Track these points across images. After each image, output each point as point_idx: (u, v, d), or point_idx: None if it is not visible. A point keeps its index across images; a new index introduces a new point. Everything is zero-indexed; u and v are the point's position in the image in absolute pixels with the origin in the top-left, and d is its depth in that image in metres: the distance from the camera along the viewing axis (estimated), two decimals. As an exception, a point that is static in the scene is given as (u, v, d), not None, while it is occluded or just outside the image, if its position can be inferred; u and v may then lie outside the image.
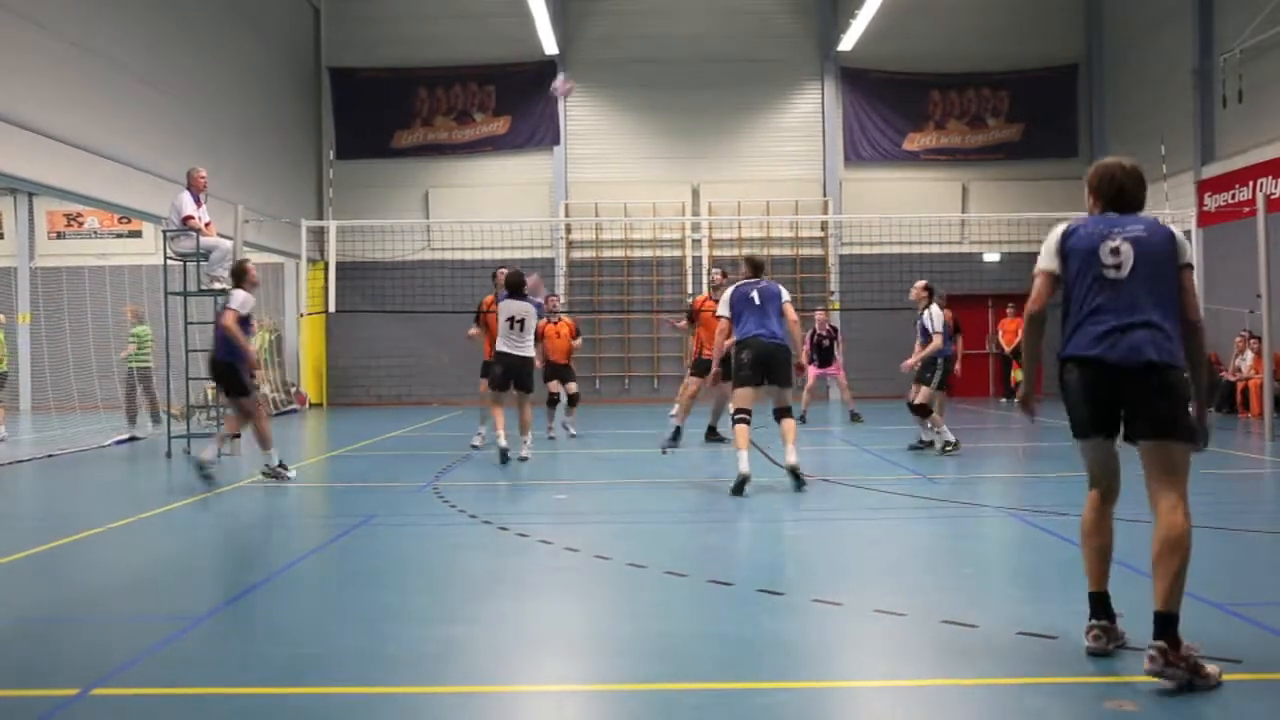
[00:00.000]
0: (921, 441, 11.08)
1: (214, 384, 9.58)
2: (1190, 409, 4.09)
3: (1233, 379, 15.82)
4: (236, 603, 4.96)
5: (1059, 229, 4.14)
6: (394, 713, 3.56)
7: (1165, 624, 3.66)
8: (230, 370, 9.27)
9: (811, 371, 15.72)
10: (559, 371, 13.39)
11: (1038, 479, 9.20)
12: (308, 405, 20.96)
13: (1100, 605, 4.07)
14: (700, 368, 11.43)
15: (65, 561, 6.12)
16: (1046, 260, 4.15)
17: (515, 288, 10.55)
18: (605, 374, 21.90)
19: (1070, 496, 7.97)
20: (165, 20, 15.44)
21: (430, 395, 21.96)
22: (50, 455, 11.72)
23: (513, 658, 4.17)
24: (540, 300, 11.14)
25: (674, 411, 11.86)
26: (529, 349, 10.56)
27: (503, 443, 10.27)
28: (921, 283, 11.29)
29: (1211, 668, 3.62)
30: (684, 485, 9.01)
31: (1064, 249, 4.07)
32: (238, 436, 10.30)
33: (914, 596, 4.96)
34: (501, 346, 10.43)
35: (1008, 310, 20.44)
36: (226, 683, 3.82)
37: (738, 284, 8.60)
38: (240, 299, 9.32)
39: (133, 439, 13.53)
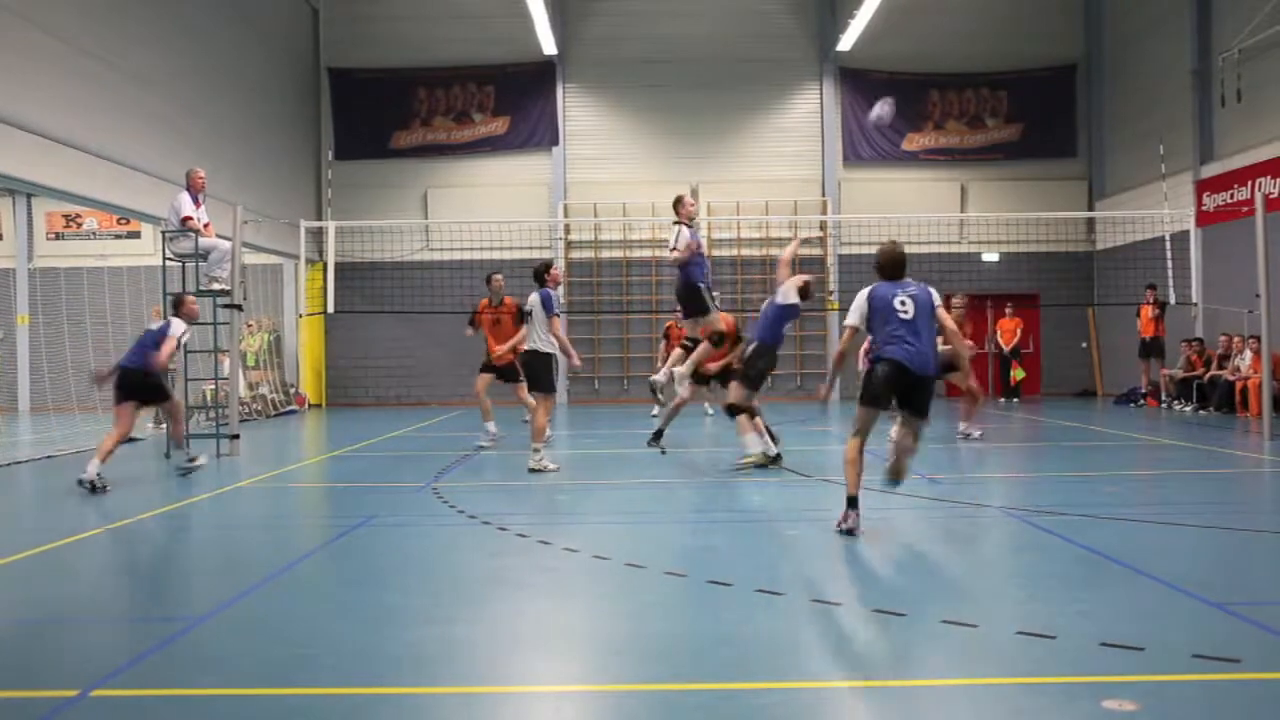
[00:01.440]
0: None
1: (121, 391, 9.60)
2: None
3: (1231, 379, 15.82)
4: (236, 603, 4.96)
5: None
6: (394, 713, 3.56)
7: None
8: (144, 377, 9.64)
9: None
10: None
11: (1038, 478, 9.20)
12: (306, 406, 20.95)
13: (854, 503, 6.46)
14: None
15: (64, 562, 6.12)
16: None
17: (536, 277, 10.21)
18: (605, 374, 21.90)
19: (1070, 496, 7.98)
20: (164, 21, 15.43)
21: (429, 396, 21.96)
22: (49, 456, 11.71)
23: (512, 658, 4.17)
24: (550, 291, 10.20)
25: (655, 411, 11.80)
26: (536, 342, 9.94)
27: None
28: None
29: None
30: (684, 485, 9.00)
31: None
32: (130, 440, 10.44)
33: (914, 596, 4.96)
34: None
35: (1006, 310, 20.47)
36: (226, 683, 3.82)
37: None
38: (178, 328, 9.70)
39: (131, 439, 13.50)
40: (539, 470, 9.67)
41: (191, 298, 10.43)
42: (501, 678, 3.93)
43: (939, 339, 6.87)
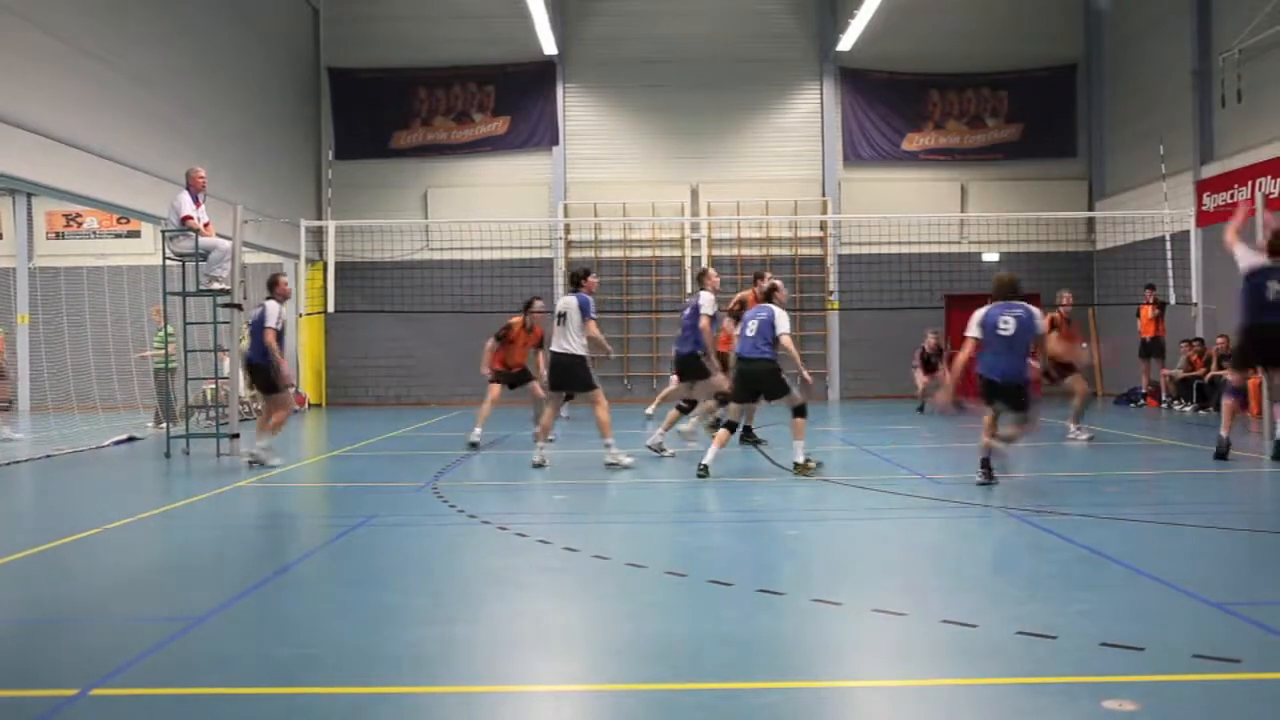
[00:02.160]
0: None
1: (250, 381, 10.69)
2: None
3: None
4: (236, 603, 4.96)
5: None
6: (394, 712, 3.55)
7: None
8: (263, 371, 10.51)
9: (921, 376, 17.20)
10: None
11: (1037, 478, 9.19)
12: (306, 405, 20.95)
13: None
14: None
15: (64, 562, 6.12)
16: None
17: (573, 280, 10.37)
18: (604, 374, 21.86)
19: (1070, 496, 7.98)
20: (164, 21, 15.43)
21: (429, 395, 21.96)
22: (48, 455, 11.71)
23: (512, 657, 4.17)
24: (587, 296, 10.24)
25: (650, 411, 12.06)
26: (569, 343, 9.96)
27: (536, 456, 10.09)
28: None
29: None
30: (684, 485, 9.00)
31: None
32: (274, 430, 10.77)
33: (913, 596, 4.96)
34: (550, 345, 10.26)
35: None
36: (227, 683, 3.81)
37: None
38: (274, 313, 10.41)
39: (131, 439, 13.52)
40: (615, 465, 9.82)
41: (284, 278, 10.95)
42: (501, 677, 3.93)
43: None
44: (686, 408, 11.28)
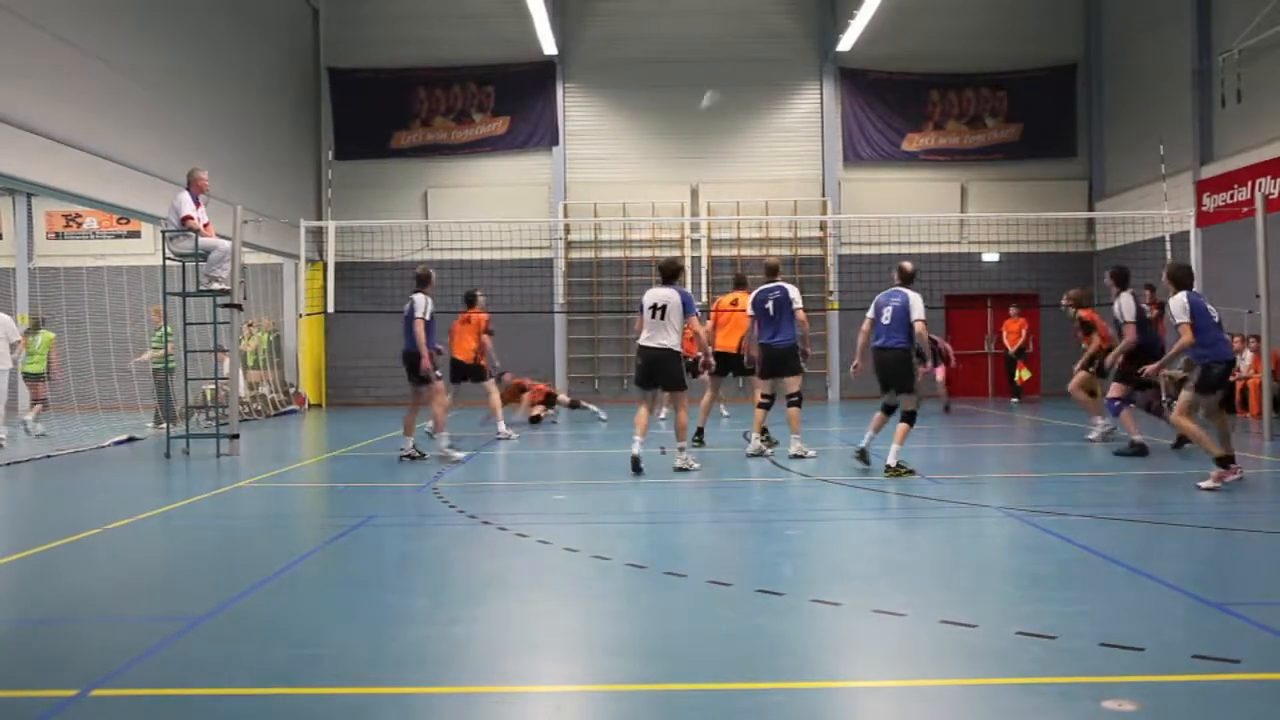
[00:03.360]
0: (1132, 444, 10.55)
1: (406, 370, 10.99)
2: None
3: (1231, 379, 15.80)
4: (236, 603, 4.96)
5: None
6: (395, 713, 3.56)
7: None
8: (415, 359, 10.78)
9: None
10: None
11: (1037, 478, 9.20)
12: (306, 406, 20.95)
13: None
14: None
15: (64, 562, 6.12)
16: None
17: (669, 275, 9.76)
18: (605, 374, 21.90)
19: (1070, 496, 7.98)
20: (164, 21, 15.43)
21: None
22: (49, 456, 11.71)
23: (512, 658, 4.17)
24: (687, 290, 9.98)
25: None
26: (667, 339, 9.51)
27: (636, 449, 9.51)
28: (1111, 270, 11.40)
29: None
30: (683, 485, 9.00)
31: None
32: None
33: (913, 596, 4.96)
34: (641, 339, 9.72)
35: (1011, 311, 20.38)
36: (227, 683, 3.82)
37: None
38: (421, 304, 10.78)
39: (131, 439, 13.52)
40: (685, 469, 9.55)
41: (433, 271, 11.33)
42: (502, 677, 3.93)
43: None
44: (767, 404, 10.96)
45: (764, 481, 9.17)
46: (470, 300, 13.71)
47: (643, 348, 9.62)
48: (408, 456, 10.75)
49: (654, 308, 9.54)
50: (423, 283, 11.03)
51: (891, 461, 9.07)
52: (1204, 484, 8.01)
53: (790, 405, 10.68)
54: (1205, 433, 8.21)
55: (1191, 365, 9.53)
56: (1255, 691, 3.64)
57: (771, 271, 11.07)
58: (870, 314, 9.60)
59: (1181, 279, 8.59)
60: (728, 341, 11.89)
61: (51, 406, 15.86)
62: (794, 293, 10.74)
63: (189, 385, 12.55)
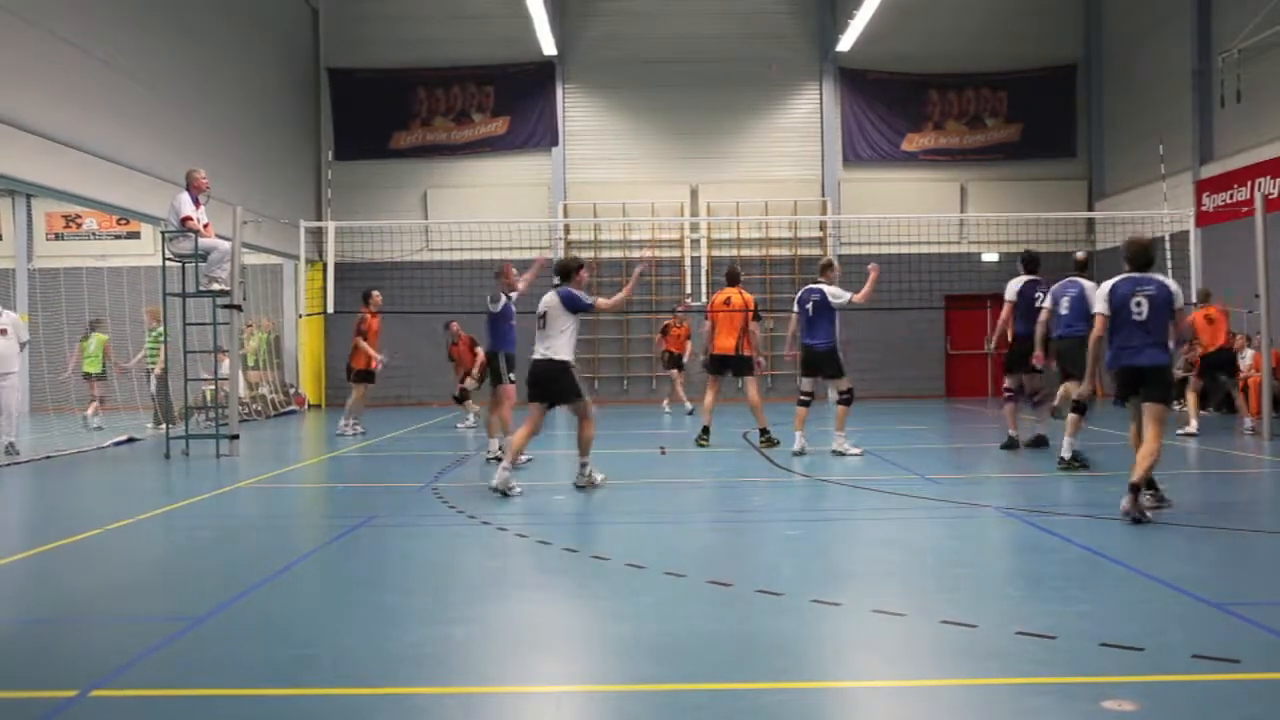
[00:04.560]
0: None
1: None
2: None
3: (1232, 377, 15.79)
4: (236, 604, 4.96)
5: None
6: (395, 713, 3.56)
7: None
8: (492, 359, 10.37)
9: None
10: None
11: (1037, 478, 9.19)
12: (306, 406, 20.95)
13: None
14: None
15: (64, 563, 6.12)
16: None
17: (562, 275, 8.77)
18: (604, 375, 21.90)
19: (1069, 496, 7.98)
20: (164, 21, 15.43)
21: (429, 396, 21.95)
22: (48, 456, 11.71)
23: (512, 658, 4.17)
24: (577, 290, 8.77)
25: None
26: (549, 349, 8.52)
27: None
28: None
29: None
30: (683, 486, 9.00)
31: None
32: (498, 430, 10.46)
33: (913, 596, 4.96)
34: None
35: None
36: (227, 684, 3.82)
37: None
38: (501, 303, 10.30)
39: (131, 440, 13.52)
40: (591, 485, 8.65)
41: (512, 268, 10.66)
42: (502, 678, 3.93)
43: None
44: (807, 401, 11.02)
45: (764, 481, 9.17)
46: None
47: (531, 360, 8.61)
48: (494, 459, 10.01)
49: (538, 315, 8.61)
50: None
51: (1066, 454, 9.16)
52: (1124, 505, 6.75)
53: (839, 403, 10.81)
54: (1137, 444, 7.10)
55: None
56: (1255, 691, 3.63)
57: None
58: (1047, 304, 9.75)
59: (1133, 258, 7.30)
60: (725, 342, 11.80)
61: (53, 407, 15.95)
62: (831, 292, 10.74)
63: (188, 386, 12.53)
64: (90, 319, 17.57)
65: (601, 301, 8.97)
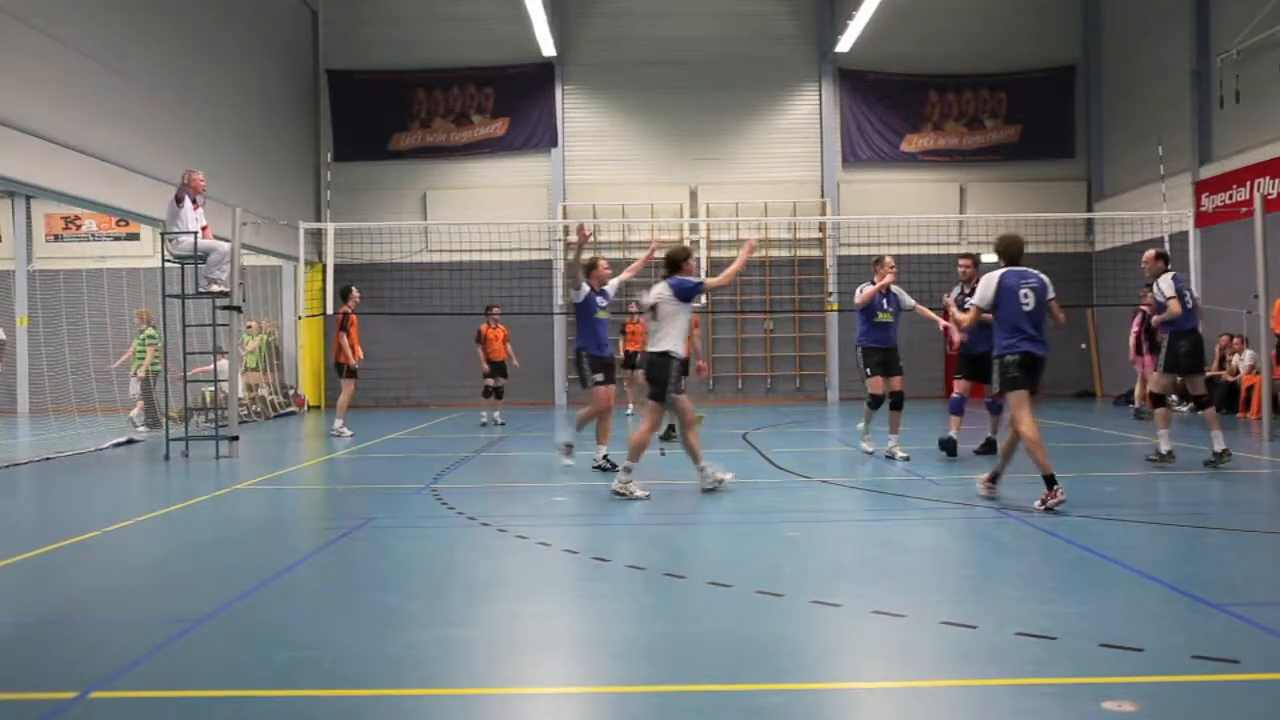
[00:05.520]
0: (1158, 454, 9.62)
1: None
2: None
3: (1231, 379, 15.82)
4: (235, 605, 4.96)
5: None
6: (395, 715, 3.55)
7: None
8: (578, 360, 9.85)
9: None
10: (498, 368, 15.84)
11: (1036, 479, 9.18)
12: (306, 408, 20.94)
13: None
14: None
15: (63, 564, 6.11)
16: None
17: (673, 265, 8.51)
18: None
19: (1069, 497, 7.97)
20: (163, 23, 15.44)
21: (428, 397, 21.95)
22: (47, 458, 11.70)
23: (512, 660, 4.17)
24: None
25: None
26: (655, 340, 8.36)
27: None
28: (1152, 252, 10.15)
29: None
30: (681, 487, 8.99)
31: None
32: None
33: (913, 597, 4.96)
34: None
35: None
36: (226, 685, 3.81)
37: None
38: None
39: (130, 441, 13.52)
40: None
41: (603, 262, 10.07)
42: (501, 679, 3.93)
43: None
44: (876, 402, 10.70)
45: (764, 482, 9.17)
46: None
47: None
48: (598, 467, 9.73)
49: (649, 308, 8.59)
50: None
51: (1219, 447, 9.24)
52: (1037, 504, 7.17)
53: (893, 408, 10.53)
54: (1038, 447, 7.23)
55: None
56: (1255, 692, 3.63)
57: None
58: (1179, 300, 9.56)
59: (1004, 252, 7.72)
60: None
61: (52, 408, 15.93)
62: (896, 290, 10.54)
63: (188, 387, 12.52)
64: (140, 316, 16.67)
65: (710, 281, 8.86)
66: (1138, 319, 15.41)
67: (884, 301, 10.47)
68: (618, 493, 8.11)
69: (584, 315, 9.79)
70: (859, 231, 20.94)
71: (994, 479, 7.69)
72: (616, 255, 21.95)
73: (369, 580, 5.58)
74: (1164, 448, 9.54)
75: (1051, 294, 7.70)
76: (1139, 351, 15.20)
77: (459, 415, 18.39)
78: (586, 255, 9.72)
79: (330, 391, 21.99)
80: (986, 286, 7.62)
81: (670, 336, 8.24)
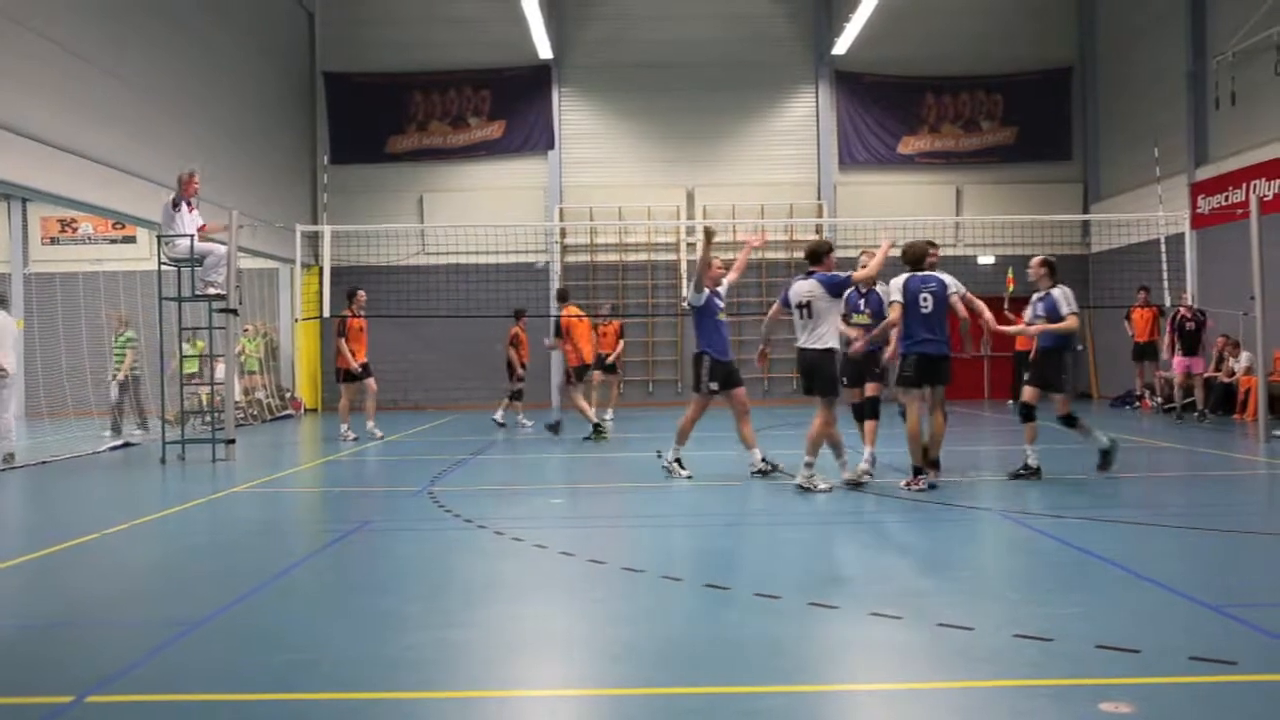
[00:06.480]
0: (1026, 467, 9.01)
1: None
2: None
3: (1227, 380, 15.84)
4: (232, 608, 4.95)
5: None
6: (393, 717, 3.55)
7: None
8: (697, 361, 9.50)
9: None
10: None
11: (1033, 481, 9.19)
12: (302, 410, 20.93)
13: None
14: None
15: (60, 567, 6.10)
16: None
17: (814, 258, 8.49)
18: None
19: (1066, 499, 7.98)
20: (160, 26, 15.43)
21: (426, 400, 21.94)
22: (43, 461, 11.68)
23: (509, 662, 4.17)
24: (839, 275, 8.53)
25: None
26: (814, 338, 8.38)
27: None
28: (1039, 258, 9.93)
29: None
30: (680, 488, 9.00)
31: None
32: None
33: (910, 599, 4.96)
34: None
35: (1007, 313, 20.31)
36: (223, 689, 3.81)
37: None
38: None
39: (126, 445, 13.49)
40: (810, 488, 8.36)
41: (717, 261, 9.56)
42: (499, 682, 3.93)
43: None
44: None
45: (761, 484, 9.16)
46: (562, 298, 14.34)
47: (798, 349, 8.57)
48: (759, 472, 9.28)
49: (799, 306, 8.44)
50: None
51: (1033, 462, 9.23)
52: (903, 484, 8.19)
53: (867, 417, 9.41)
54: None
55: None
56: (1252, 693, 3.64)
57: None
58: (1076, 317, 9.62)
59: (909, 258, 8.49)
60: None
61: (48, 412, 15.88)
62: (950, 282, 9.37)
63: (184, 390, 12.50)
64: (117, 319, 16.38)
65: (858, 274, 8.80)
66: (1170, 322, 15.56)
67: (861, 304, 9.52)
68: (802, 487, 8.31)
69: (706, 318, 9.39)
70: (856, 234, 20.93)
71: (933, 466, 8.49)
72: (613, 258, 22.05)
73: (367, 583, 5.58)
74: (1032, 462, 8.95)
75: (954, 290, 8.35)
76: (1171, 352, 15.42)
77: (456, 418, 18.38)
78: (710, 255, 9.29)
79: (327, 395, 22.00)
80: (894, 290, 8.33)
81: (830, 333, 8.37)
